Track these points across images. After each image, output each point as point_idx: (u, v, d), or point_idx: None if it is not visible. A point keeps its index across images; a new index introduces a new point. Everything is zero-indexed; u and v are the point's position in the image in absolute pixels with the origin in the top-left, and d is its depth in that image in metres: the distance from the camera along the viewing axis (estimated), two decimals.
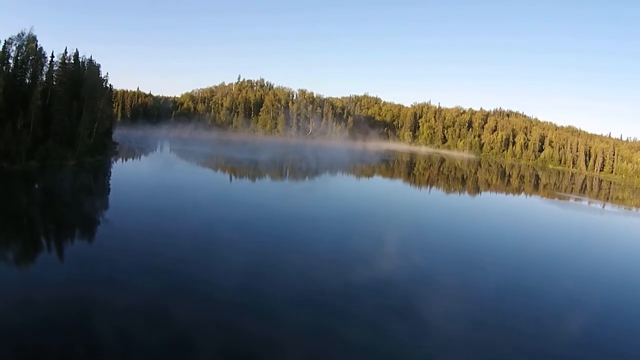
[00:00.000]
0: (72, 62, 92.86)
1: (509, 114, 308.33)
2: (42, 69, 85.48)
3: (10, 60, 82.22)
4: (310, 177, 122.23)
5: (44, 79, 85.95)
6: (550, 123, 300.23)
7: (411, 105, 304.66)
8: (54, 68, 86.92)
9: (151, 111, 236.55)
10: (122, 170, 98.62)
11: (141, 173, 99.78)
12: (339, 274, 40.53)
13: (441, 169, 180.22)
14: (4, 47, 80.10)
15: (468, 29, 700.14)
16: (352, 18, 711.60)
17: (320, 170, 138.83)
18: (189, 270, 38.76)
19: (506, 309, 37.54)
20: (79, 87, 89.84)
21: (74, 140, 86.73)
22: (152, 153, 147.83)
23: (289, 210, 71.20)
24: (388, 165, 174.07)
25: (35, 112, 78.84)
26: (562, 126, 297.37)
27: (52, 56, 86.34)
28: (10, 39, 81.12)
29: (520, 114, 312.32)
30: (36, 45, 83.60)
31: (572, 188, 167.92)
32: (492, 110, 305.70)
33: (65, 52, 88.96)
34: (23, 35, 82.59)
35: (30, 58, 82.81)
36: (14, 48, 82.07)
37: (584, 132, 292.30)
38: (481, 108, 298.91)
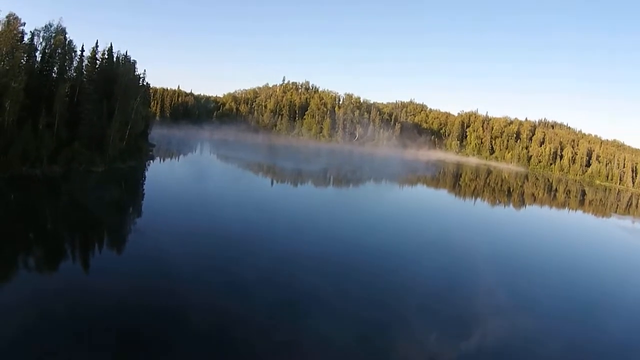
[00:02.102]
0: (106, 57, 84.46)
1: (553, 125, 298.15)
2: (72, 63, 77.02)
3: (38, 54, 74.60)
4: (376, 195, 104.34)
5: (73, 74, 77.32)
6: (596, 136, 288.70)
7: (458, 113, 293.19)
8: (84, 63, 78.11)
9: (192, 111, 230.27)
10: (157, 180, 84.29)
11: (180, 186, 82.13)
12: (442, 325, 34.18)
13: (488, 181, 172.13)
14: (30, 39, 72.35)
15: (509, 41, 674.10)
16: (394, 27, 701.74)
17: (385, 185, 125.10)
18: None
19: None
20: (112, 85, 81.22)
21: (104, 144, 77.91)
22: (193, 159, 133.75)
23: (366, 239, 57.09)
24: (446, 179, 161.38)
25: (60, 111, 70.38)
26: (607, 140, 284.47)
27: (83, 50, 77.82)
28: (36, 30, 73.31)
29: (565, 126, 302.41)
30: (65, 37, 75.25)
31: (618, 205, 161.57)
32: (537, 120, 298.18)
33: (97, 46, 79.95)
34: (51, 26, 74.62)
35: (58, 51, 74.51)
36: (41, 41, 74.46)
37: (629, 147, 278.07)
38: (526, 118, 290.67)
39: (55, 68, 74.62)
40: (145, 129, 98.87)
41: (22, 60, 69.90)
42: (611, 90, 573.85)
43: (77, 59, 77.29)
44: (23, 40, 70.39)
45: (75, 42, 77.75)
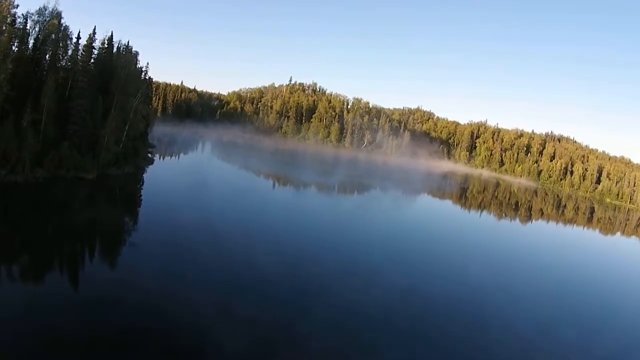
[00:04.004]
0: (105, 46, 75.13)
1: (560, 139, 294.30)
2: (66, 52, 67.63)
3: (30, 40, 65.28)
4: (413, 216, 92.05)
5: (68, 65, 67.81)
6: (604, 152, 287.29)
7: (467, 123, 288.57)
8: (80, 52, 68.40)
9: (195, 108, 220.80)
10: (157, 192, 71.15)
11: (185, 200, 67.26)
12: None
13: (496, 195, 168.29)
14: (23, 23, 63.13)
15: (515, 51, 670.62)
16: (403, 34, 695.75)
17: (414, 202, 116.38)
18: None
19: None
20: (109, 78, 71.87)
21: (97, 146, 68.46)
22: (197, 164, 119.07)
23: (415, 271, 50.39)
24: (465, 194, 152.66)
25: (48, 105, 60.98)
26: (615, 156, 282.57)
27: (79, 37, 67.84)
28: (29, 13, 64.05)
29: (572, 140, 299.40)
30: (60, 22, 65.87)
31: (626, 224, 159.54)
32: (544, 133, 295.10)
33: (94, 33, 69.74)
34: (45, 10, 65.23)
35: (52, 37, 65.12)
36: (34, 26, 65.23)
37: (637, 164, 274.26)
38: (533, 130, 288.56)
39: (47, 56, 65.11)
40: (145, 130, 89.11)
41: (14, 47, 61.02)
42: (619, 106, 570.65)
43: (72, 48, 67.54)
44: (15, 24, 61.31)
45: (72, 30, 68.56)
